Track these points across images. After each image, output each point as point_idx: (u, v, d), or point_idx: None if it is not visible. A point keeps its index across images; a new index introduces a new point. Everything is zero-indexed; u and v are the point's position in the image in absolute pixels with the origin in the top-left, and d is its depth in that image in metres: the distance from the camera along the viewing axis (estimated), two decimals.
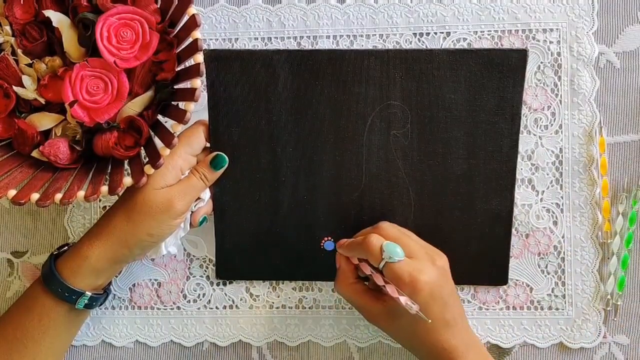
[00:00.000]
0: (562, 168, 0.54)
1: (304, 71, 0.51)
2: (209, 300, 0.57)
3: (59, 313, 0.49)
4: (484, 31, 0.54)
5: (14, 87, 0.48)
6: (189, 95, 0.45)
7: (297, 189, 0.53)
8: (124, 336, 0.57)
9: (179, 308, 0.57)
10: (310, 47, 0.55)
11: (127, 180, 0.46)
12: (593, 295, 0.54)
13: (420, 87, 0.51)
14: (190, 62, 0.47)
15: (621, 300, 0.54)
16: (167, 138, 0.46)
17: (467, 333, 0.48)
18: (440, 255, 0.48)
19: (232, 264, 0.55)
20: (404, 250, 0.45)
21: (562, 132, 0.54)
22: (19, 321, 0.48)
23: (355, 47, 0.55)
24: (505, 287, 0.55)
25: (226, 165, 0.51)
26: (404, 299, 0.43)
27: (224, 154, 0.51)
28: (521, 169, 0.54)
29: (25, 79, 0.48)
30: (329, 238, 0.53)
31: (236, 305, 0.56)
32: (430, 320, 0.44)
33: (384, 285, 0.45)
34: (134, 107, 0.47)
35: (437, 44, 0.54)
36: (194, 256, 0.57)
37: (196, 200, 0.51)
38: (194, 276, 0.57)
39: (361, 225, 0.53)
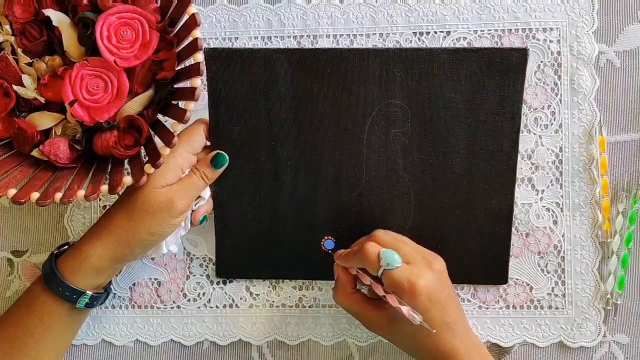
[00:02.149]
0: (562, 167, 0.54)
1: (304, 70, 0.51)
2: (209, 299, 0.57)
3: (60, 312, 0.49)
4: (484, 30, 0.54)
5: (14, 86, 0.48)
6: (189, 94, 0.45)
7: (297, 188, 0.53)
8: (124, 335, 0.57)
9: (179, 307, 0.57)
10: (310, 46, 0.55)
11: (127, 180, 0.46)
12: (593, 294, 0.54)
13: (420, 86, 0.51)
14: (190, 61, 0.47)
15: (621, 300, 0.54)
16: (167, 137, 0.46)
17: (468, 335, 0.48)
18: (437, 259, 0.48)
19: (232, 263, 0.55)
20: (400, 256, 0.45)
21: (562, 131, 0.54)
22: (19, 321, 0.49)
23: (355, 46, 0.55)
24: (505, 286, 0.55)
25: (226, 164, 0.51)
26: (406, 309, 0.43)
27: (224, 153, 0.51)
28: (521, 168, 0.54)
29: (25, 78, 0.48)
30: (329, 237, 0.53)
31: (236, 304, 0.56)
32: (434, 331, 0.44)
33: (384, 296, 0.45)
34: (134, 106, 0.47)
35: (437, 43, 0.54)
36: (193, 255, 0.57)
37: (196, 198, 0.51)
38: (194, 275, 0.57)
39: (361, 224, 0.53)
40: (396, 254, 0.45)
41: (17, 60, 0.48)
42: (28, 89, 0.48)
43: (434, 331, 0.44)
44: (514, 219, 0.53)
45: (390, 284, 0.45)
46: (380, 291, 0.45)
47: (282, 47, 0.55)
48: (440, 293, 0.45)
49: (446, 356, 0.45)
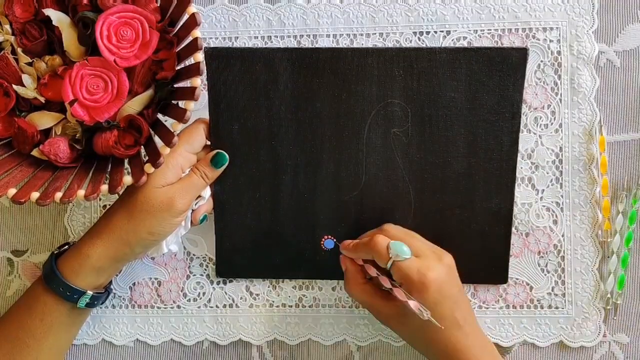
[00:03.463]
0: (562, 167, 0.54)
1: (304, 69, 0.51)
2: (209, 299, 0.57)
3: (61, 312, 0.49)
4: (484, 30, 0.54)
5: (14, 86, 0.48)
6: (189, 94, 0.45)
7: (297, 187, 0.53)
8: (124, 335, 0.57)
9: (179, 307, 0.57)
10: (310, 46, 0.55)
11: (127, 179, 0.46)
12: (593, 294, 0.54)
13: (420, 86, 0.51)
14: (190, 61, 0.47)
15: (621, 299, 0.54)
16: (167, 137, 0.46)
17: (480, 334, 0.47)
18: (447, 254, 0.47)
19: (232, 262, 0.55)
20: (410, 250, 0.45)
21: (562, 130, 0.54)
22: (20, 321, 0.48)
23: (355, 45, 0.55)
24: (505, 285, 0.55)
25: (227, 163, 0.51)
26: (414, 304, 0.43)
27: (224, 152, 0.51)
28: (521, 167, 0.54)
29: (25, 78, 0.48)
30: (329, 236, 0.53)
31: (236, 304, 0.56)
32: (443, 327, 0.43)
33: (390, 289, 0.45)
34: (134, 105, 0.47)
35: (437, 43, 0.54)
36: (194, 255, 0.57)
37: (197, 198, 0.51)
38: (194, 275, 0.57)
39: (361, 223, 0.53)
40: (405, 246, 0.45)
41: (17, 60, 0.48)
42: (28, 89, 0.48)
43: (443, 327, 0.43)
44: (514, 218, 0.53)
45: (399, 276, 0.45)
46: (387, 284, 0.45)
47: (282, 46, 0.55)
48: (450, 287, 0.45)
49: (457, 354, 0.45)
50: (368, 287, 0.48)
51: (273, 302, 0.56)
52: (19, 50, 0.48)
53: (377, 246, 0.46)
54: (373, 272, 0.47)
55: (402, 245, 0.45)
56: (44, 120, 0.49)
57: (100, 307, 0.57)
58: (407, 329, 0.47)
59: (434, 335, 0.45)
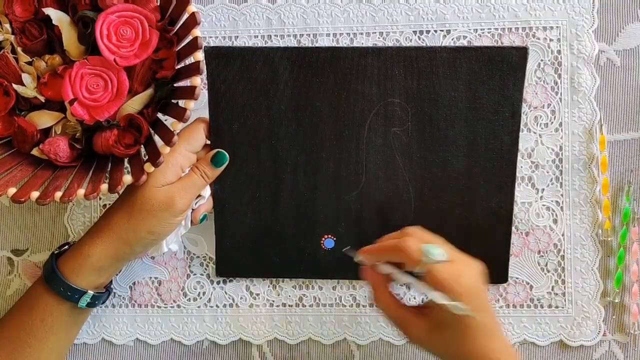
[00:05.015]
0: (562, 166, 0.54)
1: (304, 69, 0.51)
2: (209, 299, 0.57)
3: (62, 312, 0.48)
4: (484, 29, 0.54)
5: (14, 85, 0.48)
6: (189, 93, 0.45)
7: (297, 187, 0.53)
8: (124, 334, 0.57)
9: (179, 306, 0.57)
10: (310, 45, 0.55)
11: (127, 179, 0.46)
12: (593, 293, 0.54)
13: (420, 85, 0.51)
14: (190, 60, 0.47)
15: (619, 298, 0.54)
16: (167, 136, 0.46)
17: (506, 341, 0.44)
18: (476, 260, 0.44)
19: (232, 262, 0.55)
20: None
21: (562, 130, 0.54)
22: (22, 321, 0.48)
23: (355, 44, 0.55)
24: (505, 285, 0.55)
25: (227, 163, 0.51)
26: (441, 295, 0.40)
27: (224, 151, 0.51)
28: (521, 166, 0.54)
29: (25, 77, 0.48)
30: (329, 235, 0.53)
31: (236, 304, 0.56)
32: (476, 316, 0.40)
33: (410, 283, 0.42)
34: (134, 105, 0.47)
35: (437, 42, 0.54)
36: (194, 254, 0.57)
37: (197, 197, 0.51)
38: (194, 274, 0.57)
39: (361, 222, 0.53)
40: (440, 248, 0.42)
41: (17, 59, 0.48)
42: (28, 88, 0.48)
43: (476, 316, 0.40)
44: (514, 217, 0.53)
45: (434, 281, 0.41)
46: (407, 278, 0.42)
47: (282, 45, 0.55)
48: (484, 294, 0.42)
49: None
50: (397, 302, 0.45)
51: (273, 301, 0.56)
52: (19, 49, 0.48)
53: (409, 249, 0.42)
54: (387, 269, 0.44)
55: (436, 247, 0.42)
56: (43, 119, 0.49)
57: (100, 307, 0.56)
58: (439, 342, 0.44)
59: (469, 344, 0.42)
